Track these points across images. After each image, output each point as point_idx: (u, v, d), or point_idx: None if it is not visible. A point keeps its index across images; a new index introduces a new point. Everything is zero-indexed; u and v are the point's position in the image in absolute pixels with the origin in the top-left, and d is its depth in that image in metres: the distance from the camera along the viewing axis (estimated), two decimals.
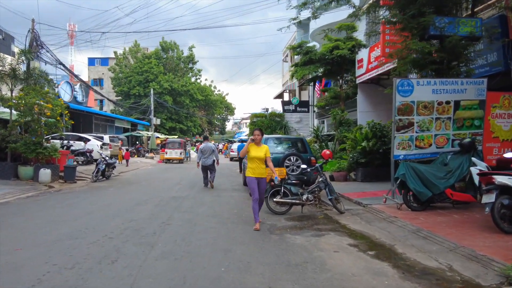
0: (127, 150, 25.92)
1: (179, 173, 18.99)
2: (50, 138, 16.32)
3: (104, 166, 14.89)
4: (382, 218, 7.27)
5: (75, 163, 16.87)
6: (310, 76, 19.42)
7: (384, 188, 10.03)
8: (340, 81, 19.25)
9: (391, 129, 8.49)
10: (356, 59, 17.99)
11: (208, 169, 12.67)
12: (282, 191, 7.74)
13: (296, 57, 29.09)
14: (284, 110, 35.51)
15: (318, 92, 28.94)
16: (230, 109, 70.90)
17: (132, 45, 55.37)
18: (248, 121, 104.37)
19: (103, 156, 15.26)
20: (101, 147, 22.48)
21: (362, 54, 17.30)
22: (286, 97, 41.02)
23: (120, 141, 27.66)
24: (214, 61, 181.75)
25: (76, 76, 29.76)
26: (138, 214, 7.93)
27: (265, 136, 10.40)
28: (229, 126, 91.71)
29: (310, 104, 33.23)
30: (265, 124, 34.05)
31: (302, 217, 7.67)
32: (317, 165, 8.23)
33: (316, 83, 28.97)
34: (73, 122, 15.57)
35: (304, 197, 7.75)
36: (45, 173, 13.06)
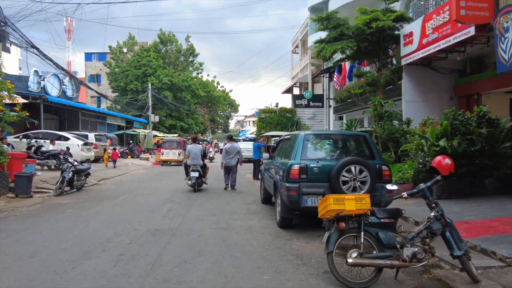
0: (114, 149, 22.22)
1: (175, 180, 15.11)
2: (4, 136, 12.45)
3: (71, 174, 11.02)
4: None
5: (49, 167, 13.07)
6: (341, 56, 15.37)
7: (495, 212, 6.23)
8: (378, 63, 15.24)
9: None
10: (401, 34, 13.97)
11: (230, 170, 11.97)
12: (362, 239, 3.81)
13: (313, 37, 25.20)
14: (296, 105, 31.59)
15: (338, 83, 25.00)
16: (233, 106, 67.00)
17: (127, 38, 51.46)
18: (252, 119, 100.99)
19: (70, 160, 11.36)
20: (82, 147, 18.64)
21: (412, 26, 13.30)
22: (296, 91, 37.13)
23: (108, 140, 23.82)
24: (216, 60, 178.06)
25: (62, 68, 25.86)
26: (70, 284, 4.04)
27: (302, 132, 6.56)
28: (231, 124, 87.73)
29: (326, 97, 29.22)
30: (274, 120, 30.15)
31: None
32: (428, 184, 4.22)
33: (335, 73, 25.15)
34: (27, 114, 11.66)
35: (407, 252, 3.81)
36: None
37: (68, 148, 15.56)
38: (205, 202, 9.47)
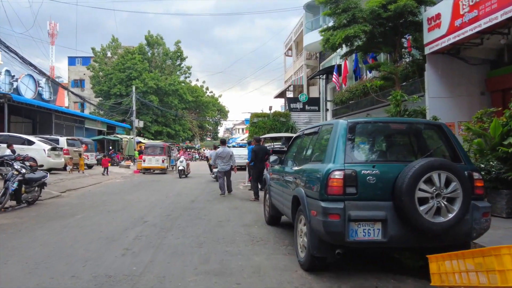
0: (104, 156, 21.48)
1: (155, 191, 12.63)
2: None
3: (16, 184, 8.48)
4: None
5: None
6: (355, 44, 13.10)
7: None
8: (394, 54, 13.04)
9: None
10: (424, 18, 11.81)
11: (226, 175, 11.46)
12: None
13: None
14: (290, 109, 29.40)
15: (338, 83, 22.87)
16: (223, 112, 64.47)
17: (110, 41, 48.82)
18: (242, 126, 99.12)
19: (16, 167, 8.82)
20: (50, 152, 16.03)
21: (440, 7, 11.15)
22: (290, 95, 34.95)
23: (83, 146, 21.18)
24: (204, 68, 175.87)
25: (32, 65, 23.13)
26: None
27: (342, 120, 4.20)
28: (220, 132, 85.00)
29: (326, 99, 27.05)
30: (267, 125, 27.85)
31: None
32: None
33: (334, 73, 23.04)
34: None
35: None
36: None
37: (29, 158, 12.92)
38: (189, 222, 7.04)
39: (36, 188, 9.51)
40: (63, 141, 18.96)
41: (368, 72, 19.46)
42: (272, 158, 6.28)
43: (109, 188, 13.89)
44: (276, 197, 6.00)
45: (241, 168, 16.65)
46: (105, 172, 19.08)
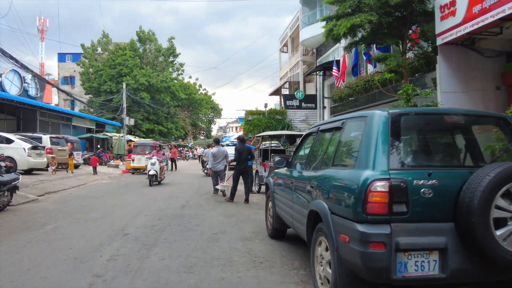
0: (93, 155, 20.59)
1: (142, 194, 11.60)
2: None
3: None
4: None
5: None
6: (359, 35, 12.11)
7: None
8: (401, 46, 12.10)
9: None
10: (436, 6, 10.86)
11: (218, 175, 11.34)
12: None
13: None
14: (286, 106, 28.35)
15: (338, 78, 21.95)
16: (216, 110, 63.16)
17: (100, 37, 47.40)
18: (235, 125, 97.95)
19: None
20: (30, 151, 14.87)
21: None
22: (285, 92, 33.89)
23: (69, 144, 20.00)
24: (198, 67, 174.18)
25: (17, 61, 21.79)
26: None
27: (382, 112, 3.13)
28: (214, 131, 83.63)
29: (323, 96, 26.08)
30: (262, 123, 26.80)
31: None
32: None
33: (334, 67, 22.09)
34: None
35: None
36: None
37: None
38: (178, 235, 6.01)
39: (6, 193, 8.40)
40: (46, 139, 17.79)
41: (371, 67, 18.48)
42: (277, 158, 5.22)
43: (93, 190, 12.78)
44: (282, 207, 4.97)
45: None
46: (94, 171, 18.65)
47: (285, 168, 5.07)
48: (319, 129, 4.39)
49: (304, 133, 4.95)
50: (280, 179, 5.29)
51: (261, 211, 8.38)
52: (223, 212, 8.27)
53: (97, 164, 19.67)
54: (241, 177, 10.08)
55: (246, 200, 9.77)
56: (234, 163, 10.30)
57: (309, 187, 3.75)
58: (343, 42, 19.81)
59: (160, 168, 14.67)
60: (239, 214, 8.04)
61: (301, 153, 4.85)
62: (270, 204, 5.88)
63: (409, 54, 12.96)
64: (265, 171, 11.59)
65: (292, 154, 4.96)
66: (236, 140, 11.63)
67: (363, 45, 14.10)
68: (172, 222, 7.00)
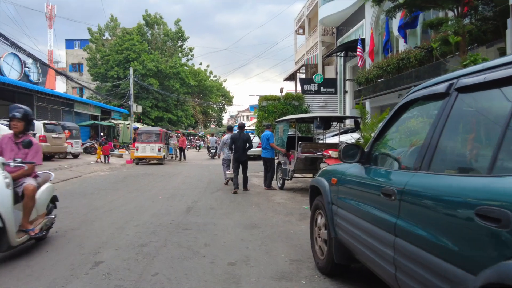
0: (105, 143, 19.16)
1: (140, 191, 9.66)
2: None
3: None
4: None
5: None
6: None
7: None
8: (456, 10, 9.80)
9: None
10: None
11: (230, 163, 10.66)
12: None
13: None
14: (304, 91, 26.02)
15: (363, 56, 19.64)
16: (227, 98, 60.94)
17: (108, 21, 45.43)
18: (246, 113, 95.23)
19: None
20: None
21: None
22: (302, 76, 31.52)
23: (66, 132, 18.15)
24: (207, 53, 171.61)
25: (14, 43, 19.84)
26: None
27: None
28: (224, 119, 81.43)
29: (345, 79, 23.73)
30: (278, 109, 24.47)
31: None
32: None
33: (358, 46, 19.74)
34: None
35: None
36: None
37: None
38: (175, 267, 3.98)
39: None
40: (39, 125, 15.93)
41: (401, 46, 16.11)
42: (345, 146, 2.96)
43: (84, 185, 10.84)
44: (353, 232, 2.85)
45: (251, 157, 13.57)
46: (107, 160, 18.30)
47: (359, 164, 2.90)
48: (462, 84, 1.99)
49: (401, 102, 2.60)
50: (347, 184, 3.14)
51: (292, 218, 6.31)
52: (241, 219, 6.19)
53: (109, 152, 18.92)
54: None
55: (245, 187, 9.65)
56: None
57: (450, 213, 1.60)
58: (368, 18, 17.31)
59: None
60: (263, 223, 5.94)
61: (396, 139, 2.68)
62: (321, 220, 3.72)
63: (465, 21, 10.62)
64: (290, 163, 9.46)
65: (368, 141, 2.79)
66: (242, 128, 9.81)
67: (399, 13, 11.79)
68: (170, 239, 4.95)
